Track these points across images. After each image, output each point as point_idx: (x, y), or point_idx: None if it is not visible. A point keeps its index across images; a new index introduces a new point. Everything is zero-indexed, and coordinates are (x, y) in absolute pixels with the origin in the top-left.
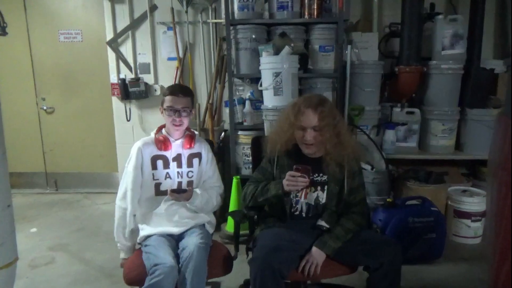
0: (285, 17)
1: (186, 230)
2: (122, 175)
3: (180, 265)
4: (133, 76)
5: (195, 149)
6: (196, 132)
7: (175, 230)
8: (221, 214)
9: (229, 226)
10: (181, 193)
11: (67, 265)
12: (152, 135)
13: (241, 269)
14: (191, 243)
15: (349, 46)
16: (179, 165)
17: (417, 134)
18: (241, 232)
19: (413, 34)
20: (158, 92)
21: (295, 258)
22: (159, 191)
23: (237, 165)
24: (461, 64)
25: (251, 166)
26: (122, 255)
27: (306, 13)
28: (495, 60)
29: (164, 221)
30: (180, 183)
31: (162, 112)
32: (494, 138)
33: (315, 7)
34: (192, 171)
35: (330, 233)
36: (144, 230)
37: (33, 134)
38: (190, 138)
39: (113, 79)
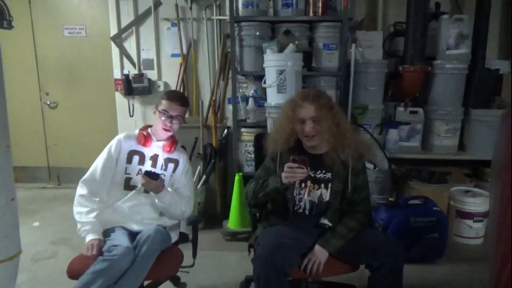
0: (289, 15)
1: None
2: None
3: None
4: (136, 72)
5: (174, 155)
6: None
7: (135, 227)
8: (222, 211)
9: (231, 223)
10: (154, 179)
11: (69, 259)
12: (137, 131)
13: (242, 266)
14: (150, 228)
15: (353, 45)
16: (154, 165)
17: (420, 133)
18: (242, 230)
19: (417, 33)
20: (162, 88)
21: (298, 256)
22: (128, 186)
23: (239, 162)
24: (465, 64)
25: (253, 164)
26: (90, 237)
27: (311, 11)
28: (500, 60)
29: (126, 219)
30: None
31: (155, 112)
32: (498, 138)
33: (320, 5)
34: (164, 175)
35: (333, 231)
36: (104, 225)
37: (36, 128)
38: (172, 142)
39: (117, 74)
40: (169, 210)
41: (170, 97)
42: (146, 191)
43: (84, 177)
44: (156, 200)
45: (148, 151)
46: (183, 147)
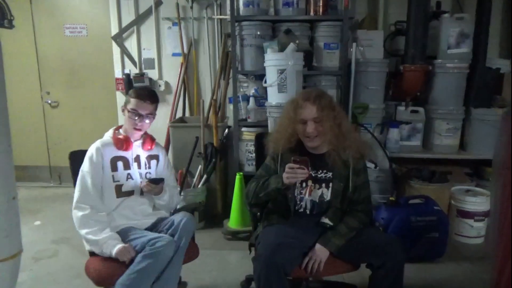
0: (290, 14)
1: (152, 224)
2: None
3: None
4: (137, 71)
5: (154, 151)
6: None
7: (139, 223)
8: (223, 210)
9: (232, 222)
10: (157, 183)
11: (70, 258)
12: (109, 135)
13: (243, 265)
14: (180, 215)
15: (354, 44)
16: (139, 166)
17: (421, 133)
18: (243, 229)
19: (418, 33)
20: (163, 88)
21: (299, 255)
22: (120, 193)
23: (240, 162)
24: (466, 63)
25: (254, 163)
26: (118, 246)
27: (312, 10)
28: (501, 59)
29: (130, 221)
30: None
31: (123, 111)
32: (499, 138)
33: (321, 4)
34: (150, 173)
35: (333, 230)
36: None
37: (37, 127)
38: (150, 139)
39: (118, 74)
40: (168, 205)
41: (139, 95)
42: (141, 193)
43: (76, 199)
44: (157, 200)
45: (129, 154)
46: (151, 135)
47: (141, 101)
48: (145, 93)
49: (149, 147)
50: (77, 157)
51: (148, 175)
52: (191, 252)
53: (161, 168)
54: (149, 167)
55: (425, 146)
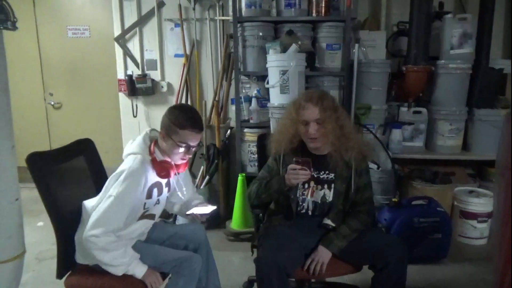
0: (292, 15)
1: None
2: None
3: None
4: (140, 72)
5: None
6: None
7: (144, 237)
8: (225, 211)
9: (234, 223)
10: (210, 213)
11: None
12: (146, 153)
13: (245, 266)
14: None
15: (356, 45)
16: (169, 190)
17: (423, 133)
18: (245, 230)
19: (421, 33)
20: (165, 89)
21: (301, 257)
22: (143, 216)
23: (242, 163)
24: (469, 64)
25: (256, 164)
26: (143, 269)
27: (314, 11)
28: (504, 60)
29: (139, 234)
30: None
31: (163, 137)
32: (502, 138)
33: (323, 5)
34: (169, 190)
35: (336, 231)
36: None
37: (40, 129)
38: (185, 163)
39: (120, 75)
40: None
41: (193, 125)
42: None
43: (111, 228)
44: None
45: (165, 179)
46: None
47: (195, 133)
48: (198, 121)
49: (182, 171)
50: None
51: (168, 194)
52: None
53: (181, 181)
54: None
55: (428, 147)
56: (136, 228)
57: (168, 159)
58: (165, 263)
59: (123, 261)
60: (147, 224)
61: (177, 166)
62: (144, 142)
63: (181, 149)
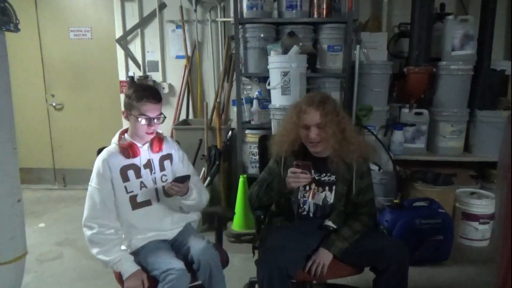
0: (294, 16)
1: (178, 234)
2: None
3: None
4: (141, 73)
5: (165, 151)
6: (164, 134)
7: (169, 234)
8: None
9: (235, 225)
10: (183, 182)
11: (75, 260)
12: (115, 142)
13: (246, 268)
14: (198, 249)
15: (357, 46)
16: (152, 171)
17: (425, 135)
18: (247, 231)
19: (422, 34)
20: (166, 90)
21: (302, 258)
22: (136, 204)
23: (244, 164)
24: (471, 65)
25: (258, 165)
26: (129, 271)
27: (315, 13)
28: (505, 61)
29: (152, 230)
30: (156, 190)
31: (126, 117)
32: (504, 140)
33: (324, 7)
34: (165, 175)
35: (337, 233)
36: (135, 240)
37: (42, 130)
38: (158, 140)
39: (122, 76)
40: (198, 204)
41: (145, 96)
42: (168, 195)
43: (84, 217)
44: (185, 202)
45: (139, 160)
46: (159, 133)
47: (149, 103)
48: (150, 92)
49: (158, 149)
50: None
51: (164, 178)
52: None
53: (175, 166)
54: (164, 169)
55: (430, 149)
56: (138, 221)
57: (132, 141)
58: (158, 269)
59: (106, 259)
60: (149, 215)
61: (151, 145)
62: (117, 135)
63: (143, 121)
